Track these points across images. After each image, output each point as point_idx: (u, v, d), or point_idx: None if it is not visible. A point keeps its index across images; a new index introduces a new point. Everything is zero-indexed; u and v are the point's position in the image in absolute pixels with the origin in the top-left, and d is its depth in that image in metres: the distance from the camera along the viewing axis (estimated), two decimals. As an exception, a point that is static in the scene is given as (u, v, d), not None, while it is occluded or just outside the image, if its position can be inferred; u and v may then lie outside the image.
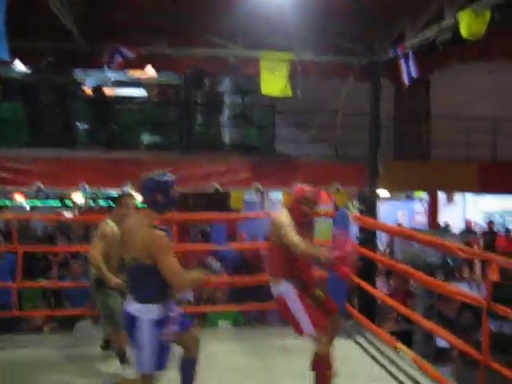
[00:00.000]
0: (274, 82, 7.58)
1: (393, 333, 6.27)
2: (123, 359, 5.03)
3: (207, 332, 6.34)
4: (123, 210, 5.07)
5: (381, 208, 11.65)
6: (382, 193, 11.27)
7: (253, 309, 7.37)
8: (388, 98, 10.06)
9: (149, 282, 3.60)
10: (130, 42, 7.39)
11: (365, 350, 5.98)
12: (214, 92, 10.07)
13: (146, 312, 3.58)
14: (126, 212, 4.99)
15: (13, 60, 8.19)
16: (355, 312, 6.61)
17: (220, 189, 8.99)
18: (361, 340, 6.22)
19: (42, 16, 6.63)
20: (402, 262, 7.68)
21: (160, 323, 3.58)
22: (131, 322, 3.60)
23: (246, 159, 9.35)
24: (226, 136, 10.51)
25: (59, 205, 12.82)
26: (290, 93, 7.60)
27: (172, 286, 3.60)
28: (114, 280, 4.90)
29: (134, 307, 3.61)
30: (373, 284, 6.96)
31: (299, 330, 4.18)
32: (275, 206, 12.12)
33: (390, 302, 6.07)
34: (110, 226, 5.09)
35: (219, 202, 10.11)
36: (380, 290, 8.90)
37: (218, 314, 7.39)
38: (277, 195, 12.09)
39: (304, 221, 4.27)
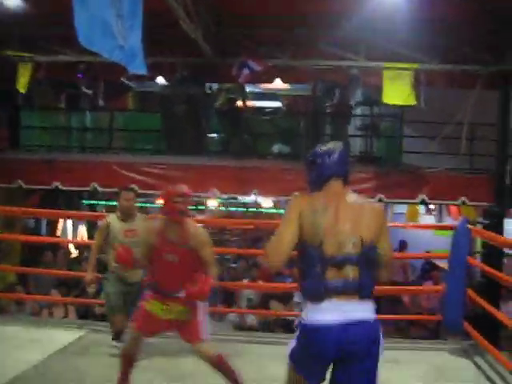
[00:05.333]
0: (396, 91, 7.55)
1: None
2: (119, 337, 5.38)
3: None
4: (123, 203, 5.43)
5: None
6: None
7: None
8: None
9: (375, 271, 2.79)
10: (255, 55, 7.78)
11: (483, 372, 5.70)
12: (343, 102, 10.11)
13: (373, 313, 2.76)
14: (127, 205, 5.41)
15: (154, 75, 9.01)
16: (475, 332, 6.30)
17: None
18: (480, 362, 5.93)
19: (177, 33, 7.22)
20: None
21: None
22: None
23: (372, 170, 9.27)
24: (354, 146, 10.50)
25: (192, 209, 13.64)
26: (413, 101, 7.52)
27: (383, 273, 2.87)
28: (90, 274, 5.41)
29: (365, 310, 2.70)
30: (495, 303, 6.57)
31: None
32: (398, 218, 11.86)
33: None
34: (106, 220, 5.52)
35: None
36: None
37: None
38: (401, 208, 11.83)
39: (181, 218, 4.04)
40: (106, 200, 13.23)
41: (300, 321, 2.74)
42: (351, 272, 2.65)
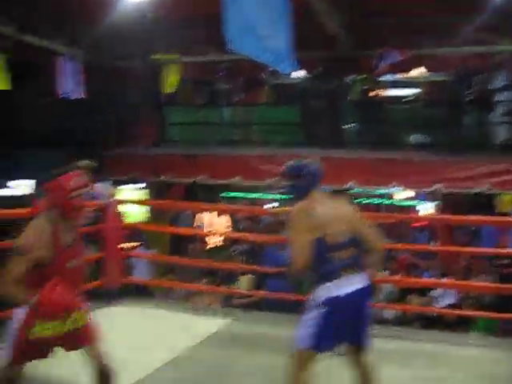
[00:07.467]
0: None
1: None
2: None
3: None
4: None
5: None
6: None
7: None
8: None
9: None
10: (396, 45, 7.66)
11: None
12: (484, 89, 9.62)
13: None
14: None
15: (295, 70, 9.20)
16: None
17: (486, 190, 8.61)
18: None
19: (317, 27, 7.33)
20: None
21: None
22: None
23: (518, 159, 8.76)
24: (497, 135, 9.95)
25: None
26: None
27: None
28: None
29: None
30: None
31: None
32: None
33: None
34: None
35: (486, 203, 9.65)
36: None
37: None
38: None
39: (77, 215, 3.35)
40: (244, 192, 13.61)
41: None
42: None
